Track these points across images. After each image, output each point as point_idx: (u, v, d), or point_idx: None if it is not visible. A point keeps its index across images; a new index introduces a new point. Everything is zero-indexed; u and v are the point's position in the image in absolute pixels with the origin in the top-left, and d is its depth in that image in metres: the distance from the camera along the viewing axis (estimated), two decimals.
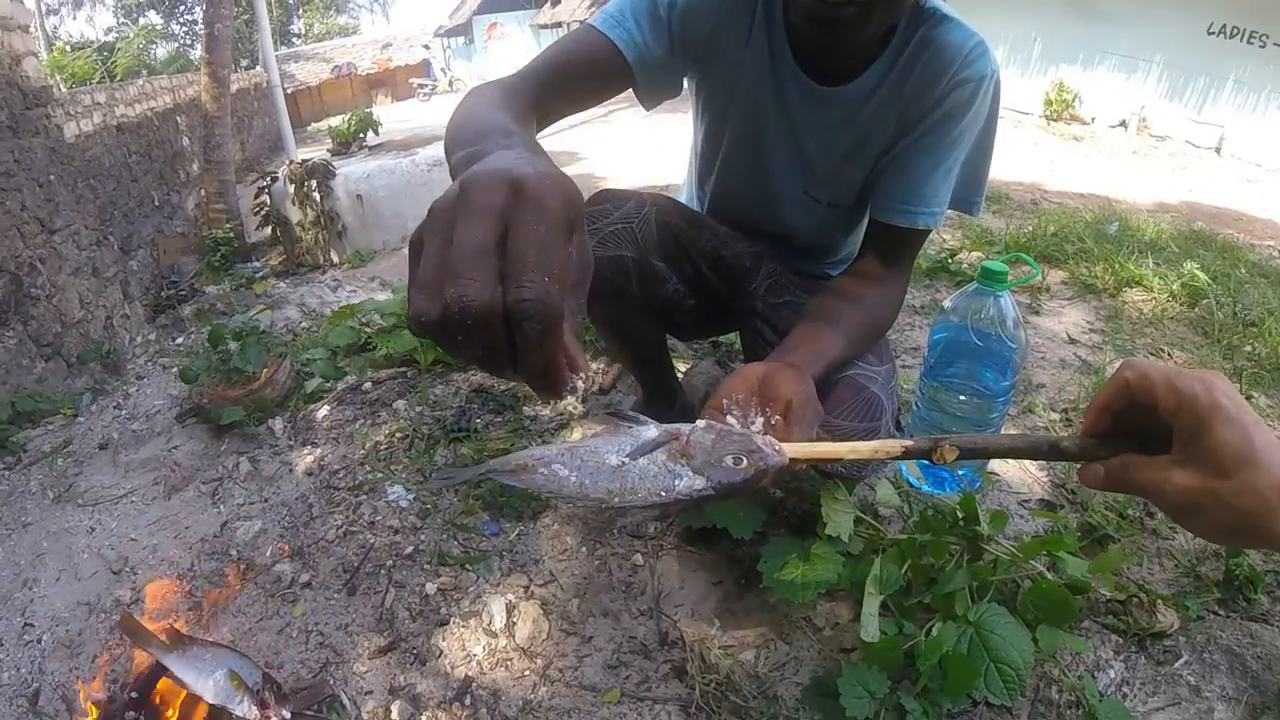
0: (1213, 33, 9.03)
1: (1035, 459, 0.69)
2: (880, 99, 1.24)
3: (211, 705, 1.15)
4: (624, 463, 0.65)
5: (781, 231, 1.53)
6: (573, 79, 1.16)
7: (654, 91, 1.28)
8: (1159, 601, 1.33)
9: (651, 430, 0.68)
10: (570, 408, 2.05)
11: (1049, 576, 1.27)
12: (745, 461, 0.66)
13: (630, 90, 1.25)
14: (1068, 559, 1.29)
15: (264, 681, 1.18)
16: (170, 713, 1.21)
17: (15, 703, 1.35)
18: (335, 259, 6.22)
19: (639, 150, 8.34)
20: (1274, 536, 0.56)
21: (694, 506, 0.71)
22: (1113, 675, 1.25)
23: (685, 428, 0.69)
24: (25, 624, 1.53)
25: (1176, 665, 1.27)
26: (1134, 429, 0.65)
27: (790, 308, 1.49)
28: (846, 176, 1.37)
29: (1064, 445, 0.67)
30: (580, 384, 0.50)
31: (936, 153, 1.24)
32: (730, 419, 0.85)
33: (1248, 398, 2.08)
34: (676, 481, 0.65)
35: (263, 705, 1.16)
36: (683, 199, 1.66)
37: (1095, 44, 10.00)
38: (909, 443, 0.70)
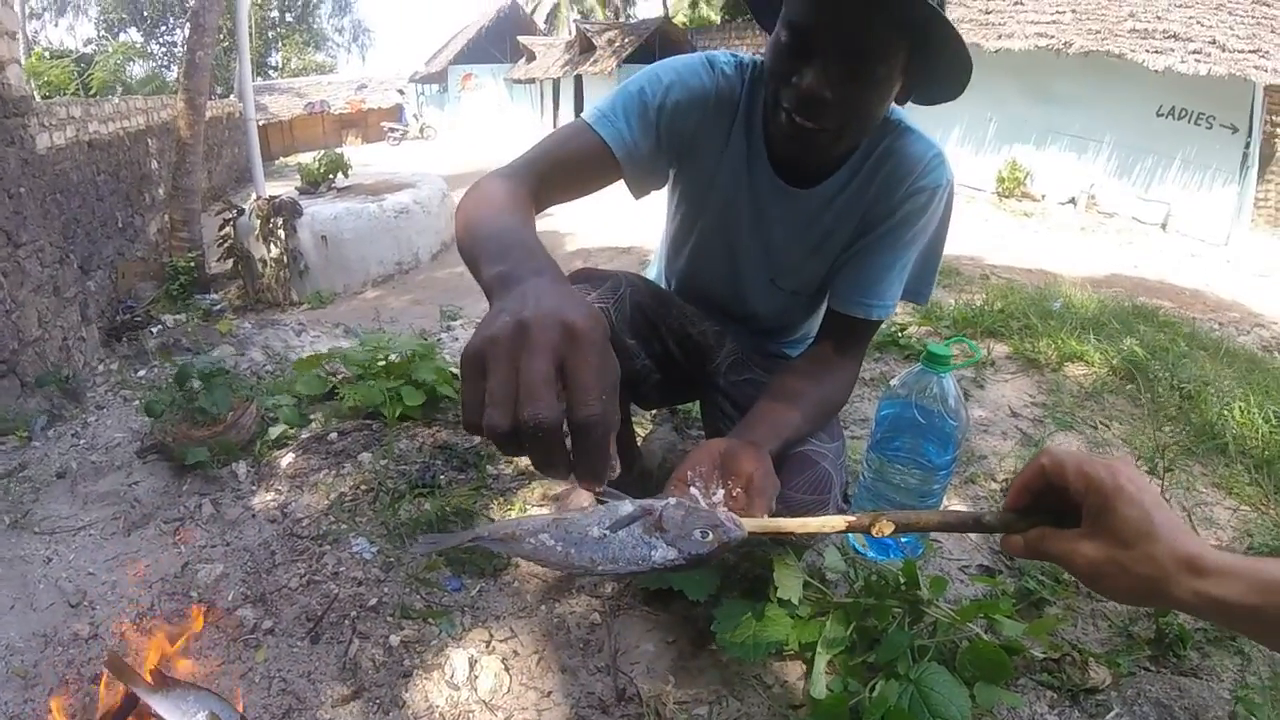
0: (1162, 114, 9.45)
1: (963, 531, 0.80)
2: (845, 200, 1.36)
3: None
4: (605, 535, 0.74)
5: (745, 313, 1.63)
6: (566, 172, 1.25)
7: (641, 183, 1.37)
8: (1091, 659, 1.41)
9: (627, 505, 0.76)
10: (528, 468, 2.09)
11: (985, 637, 1.34)
12: (711, 535, 0.75)
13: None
14: (1004, 621, 1.37)
15: None
16: None
17: None
18: (295, 298, 6.21)
19: (606, 211, 8.48)
20: (1172, 599, 0.64)
21: (663, 573, 0.81)
22: None
23: (658, 504, 0.78)
24: None
25: (1108, 718, 1.33)
26: (1050, 505, 0.74)
27: (750, 384, 1.57)
28: (810, 268, 1.48)
29: (986, 520, 0.77)
30: (615, 473, 0.62)
31: (893, 252, 1.37)
32: (694, 490, 0.94)
33: (1181, 467, 2.19)
34: (652, 552, 0.74)
35: None
36: (651, 274, 1.75)
37: (1048, 124, 10.42)
38: (851, 519, 0.78)
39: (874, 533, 0.77)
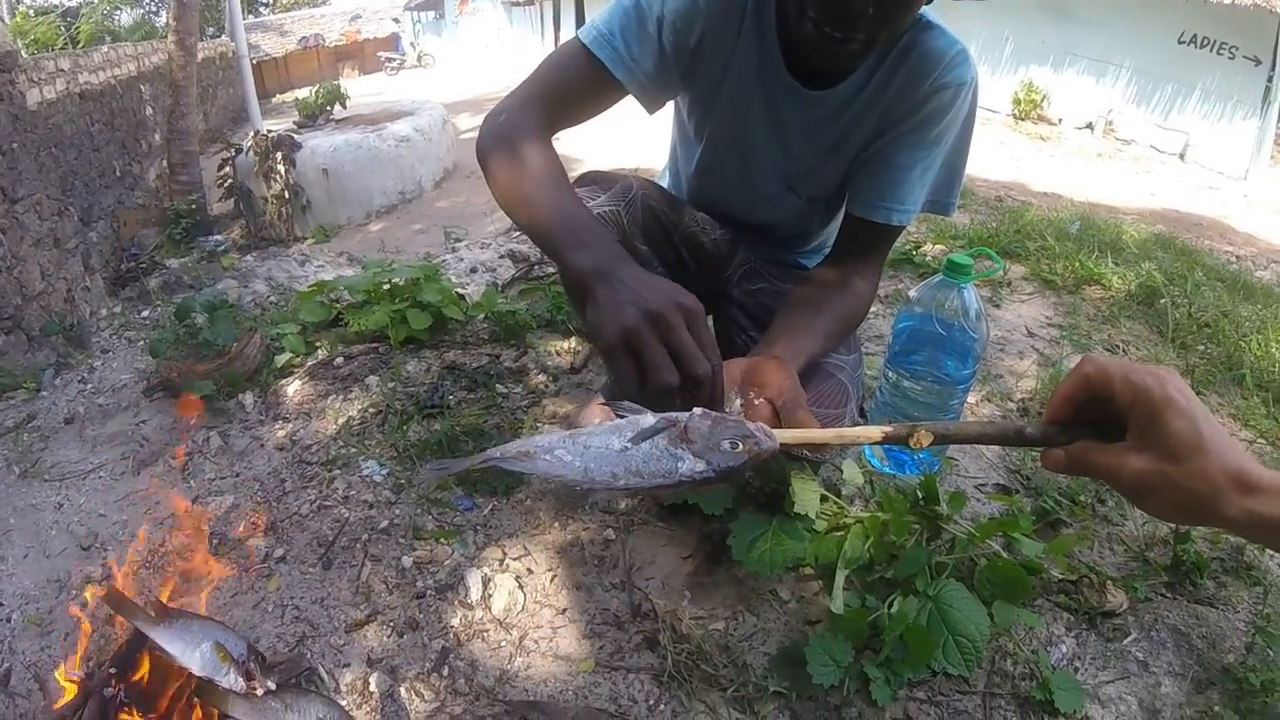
0: (1183, 41, 9.22)
1: (1003, 445, 0.75)
2: (865, 99, 1.29)
3: (196, 678, 1.15)
4: (627, 448, 0.70)
5: (759, 222, 1.57)
6: (571, 103, 1.27)
7: (652, 99, 1.33)
8: (1109, 582, 1.39)
9: (649, 418, 0.72)
10: (541, 385, 2.07)
11: (1004, 556, 1.33)
12: (741, 446, 0.71)
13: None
14: (1023, 540, 1.35)
15: (249, 653, 1.19)
16: (150, 687, 1.20)
17: None
18: (299, 233, 6.17)
19: (613, 131, 8.34)
20: (1221, 517, 0.61)
21: (690, 488, 0.78)
22: (1064, 650, 1.30)
23: (682, 416, 0.73)
24: None
25: (1125, 642, 1.32)
26: (1092, 418, 0.70)
27: (764, 294, 1.53)
28: (827, 172, 1.41)
29: (1028, 432, 0.73)
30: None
31: (915, 153, 1.30)
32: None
33: (1199, 395, 2.16)
34: (679, 465, 0.70)
35: (248, 676, 1.15)
36: (662, 185, 1.69)
37: (1066, 46, 10.16)
38: (888, 429, 0.74)
39: (912, 444, 0.73)
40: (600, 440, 0.72)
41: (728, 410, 0.93)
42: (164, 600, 1.32)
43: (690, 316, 0.84)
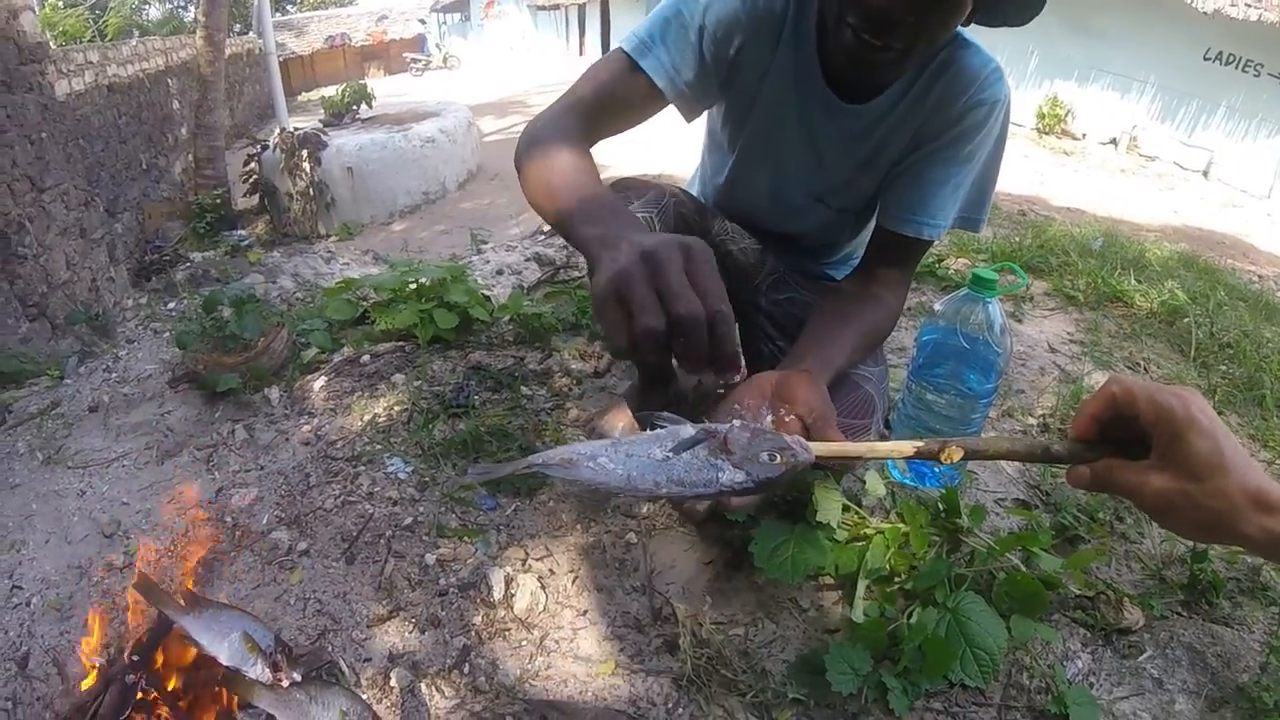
0: (1208, 58, 9.15)
1: (1030, 461, 0.76)
2: (900, 114, 1.31)
3: (223, 668, 1.17)
4: (669, 457, 0.72)
5: (789, 232, 1.59)
6: (613, 113, 1.28)
7: (690, 108, 1.35)
8: (1125, 599, 1.39)
9: (689, 429, 0.74)
10: (565, 388, 2.09)
11: (1023, 570, 1.34)
12: (779, 458, 0.72)
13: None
14: (1041, 555, 1.36)
15: (276, 645, 1.21)
16: (172, 676, 1.22)
17: (3, 666, 1.35)
18: (323, 231, 6.22)
19: (642, 137, 8.37)
20: (1239, 535, 0.63)
21: (728, 499, 0.78)
22: (1080, 665, 1.31)
23: (722, 427, 0.75)
24: (13, 586, 1.52)
25: (1140, 659, 1.33)
26: (1116, 436, 0.72)
27: (792, 304, 1.54)
28: (860, 185, 1.43)
29: (1055, 449, 0.75)
30: (742, 373, 0.72)
31: (948, 168, 1.32)
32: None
33: (1220, 414, 2.15)
34: (719, 475, 0.71)
35: (275, 667, 1.17)
36: (692, 192, 1.71)
37: (1091, 61, 10.11)
38: (920, 444, 0.76)
39: (943, 459, 0.75)
40: (642, 449, 0.73)
41: (759, 424, 0.94)
42: (187, 588, 1.35)
43: (690, 256, 0.74)
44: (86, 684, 1.24)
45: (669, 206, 1.44)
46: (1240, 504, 0.62)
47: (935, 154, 1.32)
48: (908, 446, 0.75)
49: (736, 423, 0.75)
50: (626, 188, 1.46)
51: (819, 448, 0.76)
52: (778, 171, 1.47)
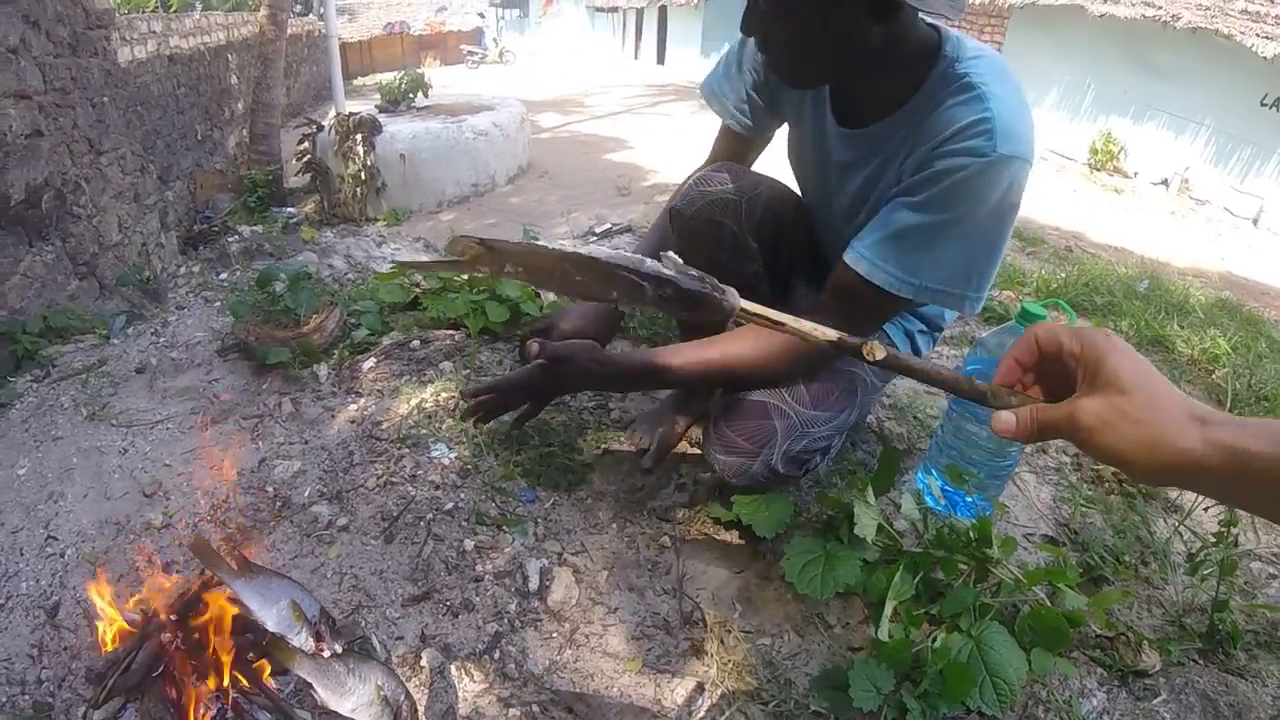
0: (1266, 104, 8.98)
1: (953, 392, 0.74)
2: (894, 147, 1.30)
3: (268, 634, 1.20)
4: (616, 249, 0.78)
5: (821, 261, 1.63)
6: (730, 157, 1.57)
7: (760, 132, 1.56)
8: (1144, 642, 1.41)
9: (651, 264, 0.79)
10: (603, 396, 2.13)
11: (1048, 605, 1.36)
12: (706, 282, 0.76)
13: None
14: (1067, 591, 1.37)
15: (321, 616, 1.24)
16: (209, 639, 1.22)
17: (33, 613, 1.39)
18: (371, 214, 6.31)
19: (690, 141, 8.38)
20: (1179, 450, 0.59)
21: (655, 299, 0.77)
22: (1095, 704, 1.32)
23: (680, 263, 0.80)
24: (48, 536, 1.56)
25: (1154, 702, 1.34)
26: (1042, 390, 0.72)
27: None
28: (863, 219, 1.44)
29: (979, 386, 0.73)
30: None
31: (907, 213, 1.23)
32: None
33: None
34: (644, 263, 0.76)
35: (318, 637, 1.21)
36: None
37: (1147, 99, 9.97)
38: (844, 335, 0.75)
39: (865, 354, 0.73)
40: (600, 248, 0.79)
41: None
42: (239, 553, 1.39)
43: None
44: (110, 641, 1.25)
45: (761, 196, 1.49)
46: (1177, 416, 0.59)
47: (901, 193, 1.25)
48: (832, 333, 0.75)
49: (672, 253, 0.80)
50: (726, 169, 1.51)
51: (748, 304, 0.77)
52: (814, 198, 1.53)
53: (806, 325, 0.76)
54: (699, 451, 1.83)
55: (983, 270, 1.26)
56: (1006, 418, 0.69)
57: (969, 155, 1.15)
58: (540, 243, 0.76)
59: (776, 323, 0.77)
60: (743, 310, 0.77)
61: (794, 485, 1.67)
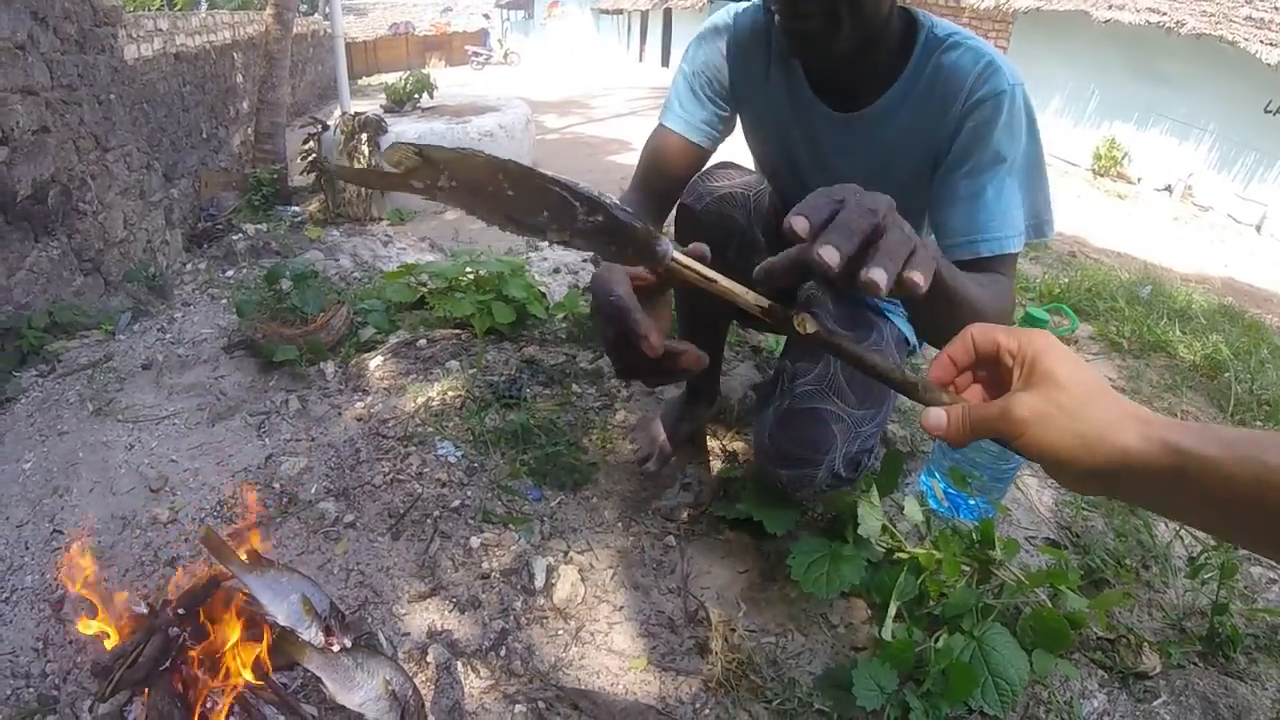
0: (1270, 111, 8.99)
1: (882, 380, 0.71)
2: (903, 124, 1.30)
3: (278, 627, 1.20)
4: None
5: None
6: (670, 177, 1.49)
7: (723, 136, 1.51)
8: (1145, 645, 1.42)
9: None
10: (614, 389, 2.15)
11: (1049, 606, 1.37)
12: (641, 222, 0.72)
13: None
14: (1068, 593, 1.39)
15: (331, 610, 1.25)
16: (216, 633, 1.22)
17: (38, 607, 1.40)
18: (376, 214, 6.30)
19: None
20: (1119, 446, 0.57)
21: (585, 226, 0.73)
22: (1095, 705, 1.33)
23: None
24: (54, 530, 1.57)
25: (1154, 704, 1.35)
26: (981, 394, 0.69)
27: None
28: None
29: (910, 378, 0.69)
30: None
31: (978, 179, 1.23)
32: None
33: None
34: (581, 184, 0.71)
35: (328, 632, 1.22)
36: None
37: (1151, 105, 9.97)
38: (773, 303, 0.73)
39: (796, 325, 0.70)
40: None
41: None
42: (250, 547, 1.40)
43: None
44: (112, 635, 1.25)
45: (765, 193, 1.49)
46: (1117, 414, 0.57)
47: (959, 167, 1.25)
48: (763, 300, 0.72)
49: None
50: (730, 166, 1.53)
51: (681, 256, 0.74)
52: (799, 185, 1.51)
53: (738, 288, 0.74)
54: (702, 453, 1.85)
55: (1047, 193, 1.31)
56: (937, 415, 0.66)
57: (994, 94, 1.20)
58: (473, 149, 0.73)
59: (709, 279, 0.74)
60: (674, 259, 0.74)
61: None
